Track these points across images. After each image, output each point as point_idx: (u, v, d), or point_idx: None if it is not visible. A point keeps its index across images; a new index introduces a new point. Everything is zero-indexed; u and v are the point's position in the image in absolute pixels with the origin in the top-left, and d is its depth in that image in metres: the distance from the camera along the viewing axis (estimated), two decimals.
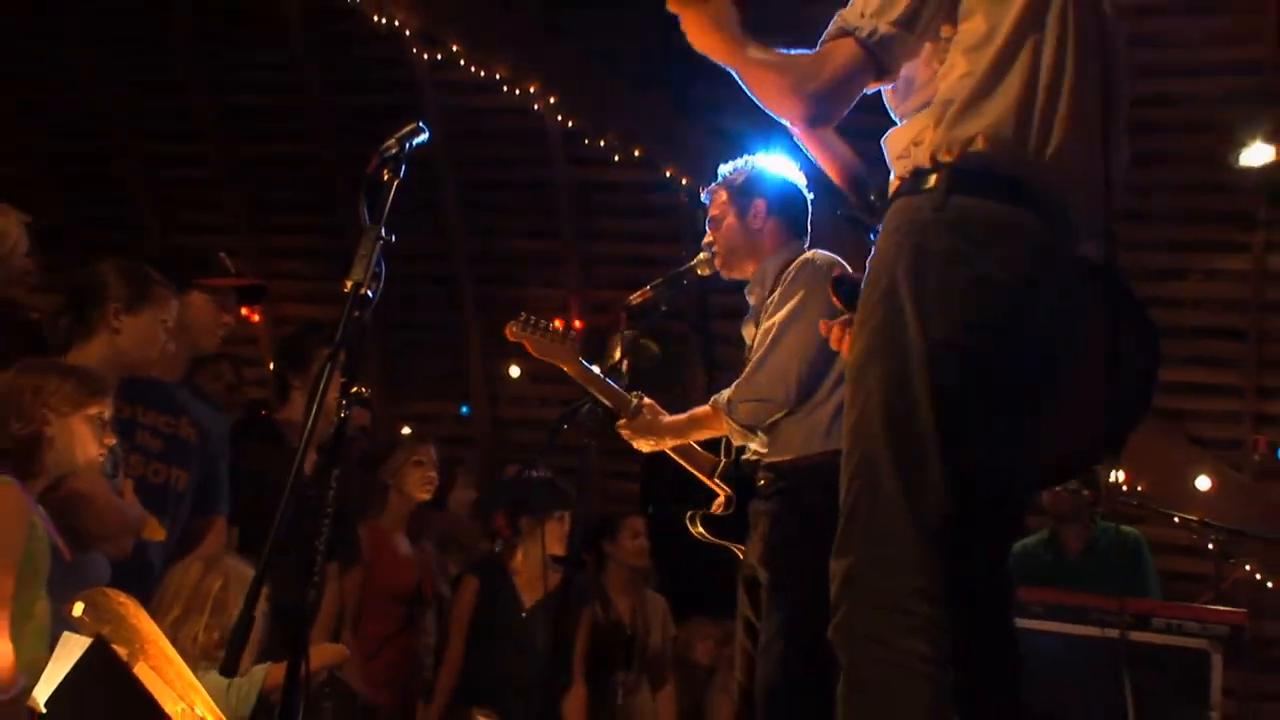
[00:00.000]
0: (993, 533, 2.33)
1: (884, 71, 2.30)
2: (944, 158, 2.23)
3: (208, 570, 3.56)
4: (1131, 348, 2.33)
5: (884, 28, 2.25)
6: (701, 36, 2.47)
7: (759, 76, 2.39)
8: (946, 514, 2.12)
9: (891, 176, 2.39)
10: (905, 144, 2.32)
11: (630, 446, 3.64)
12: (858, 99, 2.34)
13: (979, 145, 2.21)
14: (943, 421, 2.12)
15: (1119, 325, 2.32)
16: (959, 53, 2.27)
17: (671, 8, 2.49)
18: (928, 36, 2.30)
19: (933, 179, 2.23)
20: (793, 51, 2.34)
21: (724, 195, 3.51)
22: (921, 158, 2.27)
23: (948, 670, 2.07)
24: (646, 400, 3.57)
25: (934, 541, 2.11)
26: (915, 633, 2.06)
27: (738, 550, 3.37)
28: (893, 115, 2.42)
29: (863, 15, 2.26)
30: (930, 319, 2.14)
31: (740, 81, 2.48)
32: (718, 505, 3.51)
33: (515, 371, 7.92)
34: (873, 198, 2.57)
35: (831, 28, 2.29)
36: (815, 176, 3.06)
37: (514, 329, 3.73)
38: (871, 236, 2.48)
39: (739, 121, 2.92)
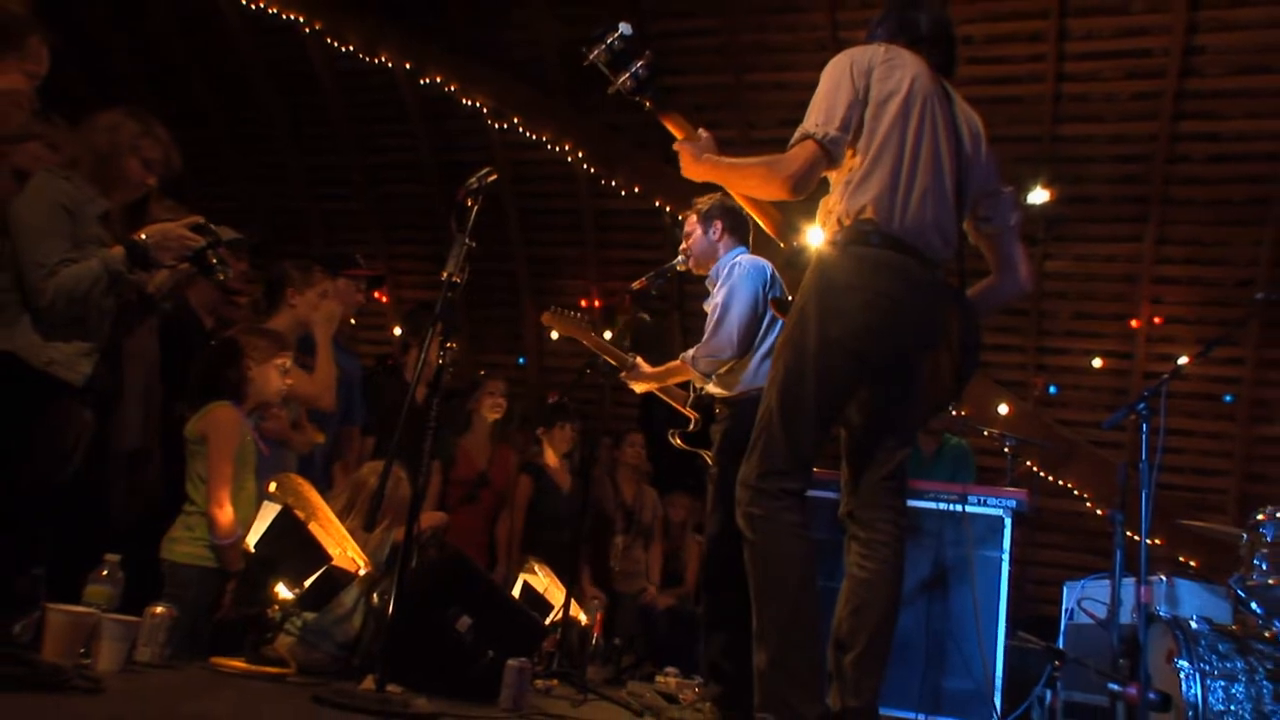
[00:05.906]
0: (885, 449, 2.37)
1: (834, 161, 2.28)
2: (845, 221, 2.28)
3: (368, 474, 3.58)
4: (970, 335, 2.38)
5: (832, 132, 2.24)
6: (694, 166, 2.43)
7: (749, 173, 2.36)
8: (812, 451, 2.23)
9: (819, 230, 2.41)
10: (826, 211, 2.36)
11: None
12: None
13: (867, 213, 2.25)
14: (820, 394, 2.22)
15: (965, 322, 2.37)
16: (854, 150, 2.30)
17: (675, 147, 2.46)
18: (857, 137, 2.29)
19: (840, 236, 2.28)
20: (764, 157, 2.31)
21: (694, 217, 3.45)
22: (832, 222, 2.31)
23: (811, 533, 2.20)
24: (638, 358, 3.53)
25: (800, 465, 2.22)
26: (787, 510, 2.18)
27: (705, 455, 3.33)
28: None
29: (817, 124, 2.25)
30: (829, 325, 2.21)
31: (726, 183, 2.45)
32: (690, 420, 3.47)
33: (555, 334, 7.85)
34: (794, 242, 2.62)
35: (796, 134, 2.27)
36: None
37: (547, 317, 3.71)
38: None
39: None
